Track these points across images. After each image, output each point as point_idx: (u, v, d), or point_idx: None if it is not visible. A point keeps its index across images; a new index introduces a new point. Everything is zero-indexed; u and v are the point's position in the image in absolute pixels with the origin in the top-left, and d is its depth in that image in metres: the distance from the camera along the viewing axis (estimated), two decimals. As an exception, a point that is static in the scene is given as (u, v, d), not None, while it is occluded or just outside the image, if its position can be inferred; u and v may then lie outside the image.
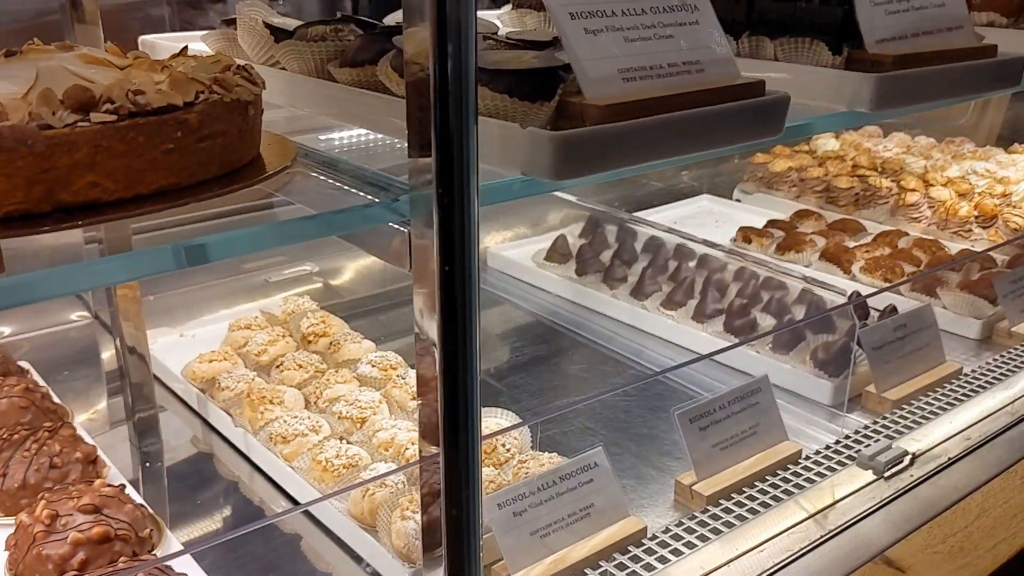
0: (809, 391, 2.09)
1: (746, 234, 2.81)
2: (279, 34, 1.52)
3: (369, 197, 1.10)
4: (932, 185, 2.95)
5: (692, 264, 2.50)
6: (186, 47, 1.25)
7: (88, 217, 0.91)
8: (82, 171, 0.89)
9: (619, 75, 1.18)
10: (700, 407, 1.64)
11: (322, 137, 2.00)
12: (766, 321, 2.27)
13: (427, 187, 0.98)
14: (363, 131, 1.91)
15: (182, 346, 2.17)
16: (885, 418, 1.94)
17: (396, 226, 1.06)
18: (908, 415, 1.95)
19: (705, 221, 3.15)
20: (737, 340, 2.24)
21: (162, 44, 1.90)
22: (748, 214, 3.13)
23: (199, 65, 1.10)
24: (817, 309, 2.18)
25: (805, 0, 1.49)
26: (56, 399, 1.75)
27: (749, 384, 1.74)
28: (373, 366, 1.93)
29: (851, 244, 2.71)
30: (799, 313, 2.23)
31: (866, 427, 1.90)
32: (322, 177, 1.20)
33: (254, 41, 1.54)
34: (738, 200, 3.29)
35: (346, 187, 1.16)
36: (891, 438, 1.83)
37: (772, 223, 2.90)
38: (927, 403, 2.00)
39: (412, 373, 1.90)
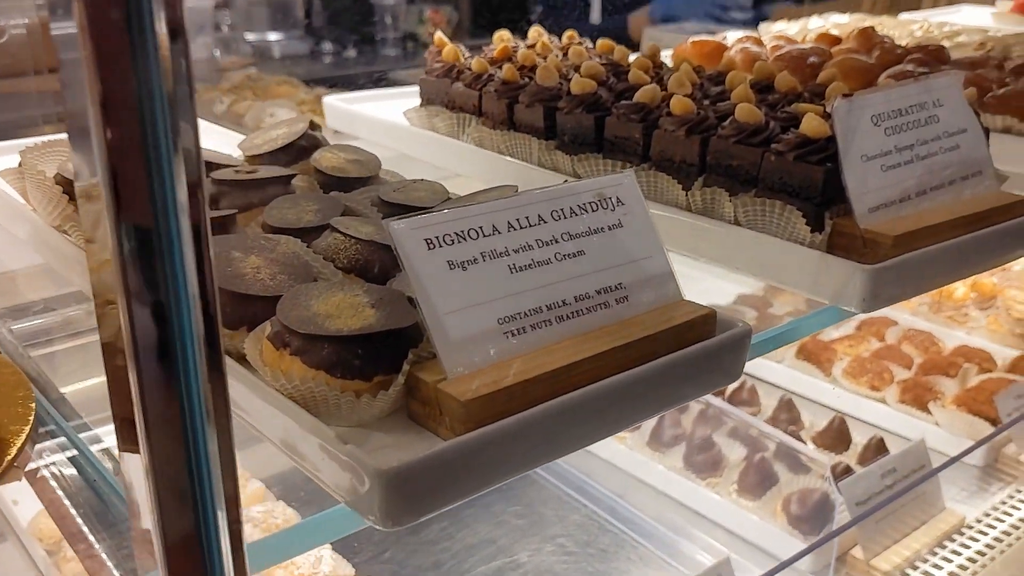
0: (781, 549, 1.72)
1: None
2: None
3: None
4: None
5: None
6: None
7: None
8: None
9: (499, 327, 0.79)
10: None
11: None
12: (734, 454, 1.89)
13: None
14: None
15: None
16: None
17: None
18: (901, 601, 1.58)
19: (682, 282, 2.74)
20: (698, 478, 1.86)
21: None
22: (714, 279, 2.73)
23: None
24: (793, 457, 1.80)
25: (777, 152, 1.09)
26: None
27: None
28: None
29: (833, 332, 2.33)
30: (777, 459, 1.84)
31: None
32: None
33: (45, 199, 1.13)
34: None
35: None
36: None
37: (742, 299, 2.50)
38: (926, 573, 1.63)
39: None
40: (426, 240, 0.78)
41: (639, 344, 0.83)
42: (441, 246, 0.79)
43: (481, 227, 0.81)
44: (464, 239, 0.80)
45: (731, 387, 2.12)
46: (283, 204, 1.06)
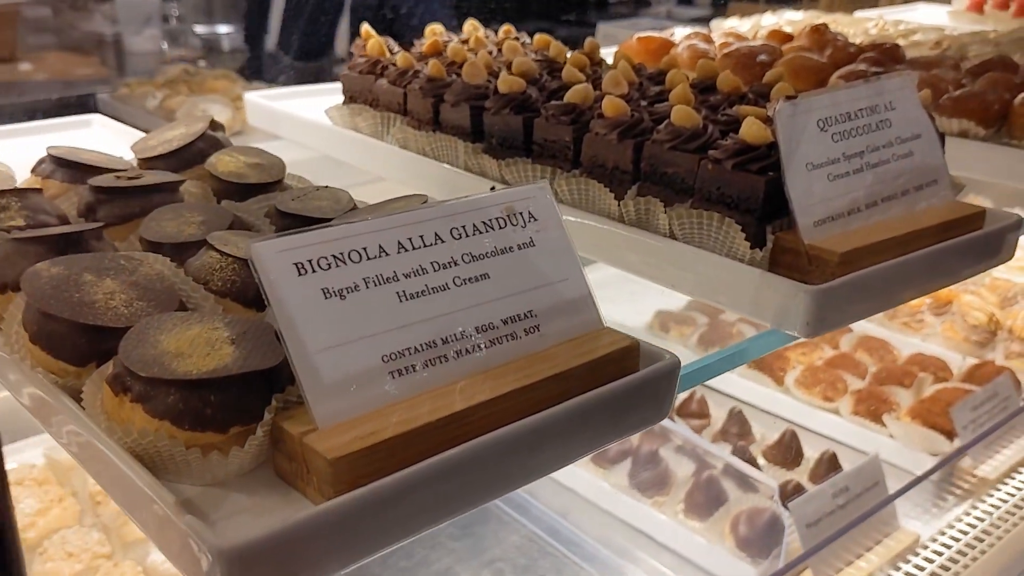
0: (729, 574, 1.62)
1: (664, 320, 2.31)
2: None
3: None
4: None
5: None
6: None
7: None
8: None
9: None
10: None
11: None
12: (682, 471, 1.78)
13: None
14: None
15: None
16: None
17: None
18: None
19: (617, 294, 2.64)
20: (643, 497, 1.76)
21: None
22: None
23: None
24: (742, 479, 1.70)
25: (714, 160, 0.97)
26: None
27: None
28: None
29: (785, 340, 2.23)
30: (725, 476, 1.74)
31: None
32: None
33: None
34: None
35: None
36: None
37: (693, 304, 2.41)
38: (876, 600, 1.54)
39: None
40: (296, 265, 0.66)
41: (549, 383, 0.72)
42: (314, 271, 0.67)
43: (365, 248, 0.69)
44: (343, 262, 0.68)
45: (681, 396, 2.02)
46: (163, 215, 0.93)
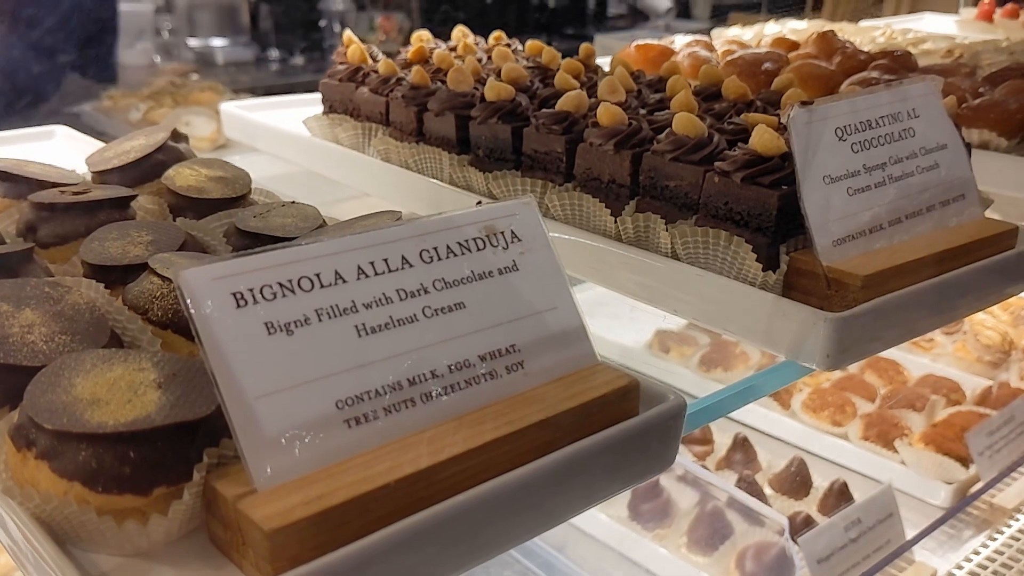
0: (735, 613, 1.50)
1: (664, 340, 2.21)
2: None
3: None
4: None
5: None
6: None
7: None
8: None
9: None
10: None
11: None
12: (684, 501, 1.67)
13: None
14: None
15: None
16: None
17: None
18: None
19: (619, 311, 2.53)
20: (644, 529, 1.65)
21: None
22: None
23: None
24: (748, 511, 1.59)
25: (721, 172, 0.86)
26: None
27: None
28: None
29: (790, 360, 2.13)
30: (730, 508, 1.63)
31: None
32: None
33: None
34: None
35: None
36: None
37: (695, 323, 2.30)
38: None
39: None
40: (235, 295, 0.56)
41: (534, 430, 0.61)
42: (256, 302, 0.56)
43: (318, 274, 0.59)
44: (291, 291, 0.58)
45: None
46: (108, 234, 0.83)
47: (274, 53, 4.70)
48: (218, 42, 4.64)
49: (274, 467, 0.54)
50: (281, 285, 0.57)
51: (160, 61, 4.18)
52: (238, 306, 0.55)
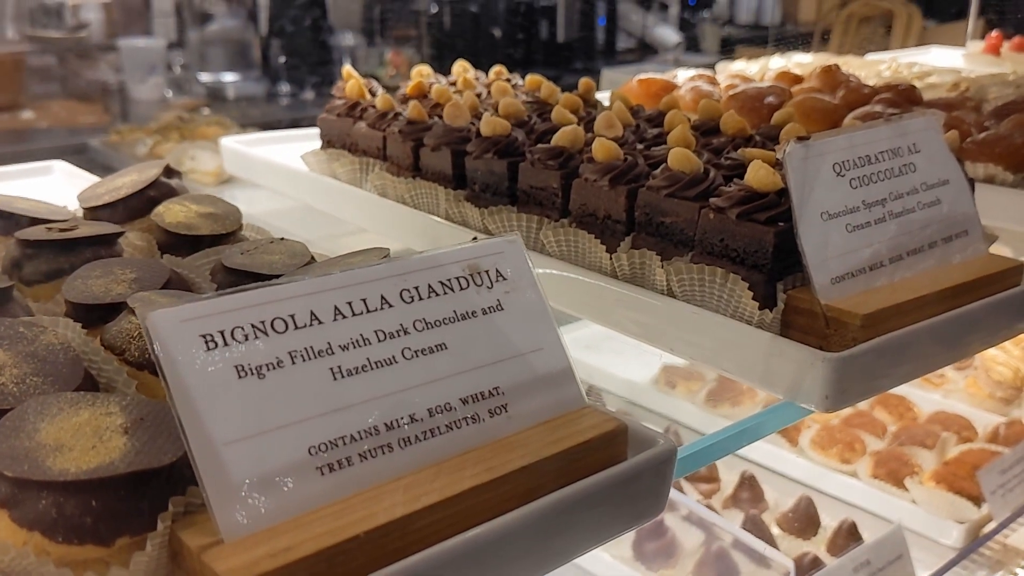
0: (740, 658, 1.46)
1: (670, 375, 2.17)
2: None
3: None
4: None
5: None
6: None
7: None
8: None
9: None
10: None
11: None
12: (690, 541, 1.64)
13: None
14: None
15: None
16: None
17: None
18: None
19: (623, 345, 2.51)
20: (648, 570, 1.61)
21: None
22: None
23: None
24: (754, 554, 1.55)
25: (717, 209, 0.85)
26: None
27: None
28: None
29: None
30: (736, 549, 1.59)
31: None
32: None
33: None
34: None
35: None
36: None
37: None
38: None
39: None
40: (204, 337, 0.54)
41: (518, 476, 0.59)
42: (227, 344, 0.54)
43: (292, 315, 0.57)
44: (263, 333, 0.56)
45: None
46: (91, 272, 0.81)
47: (285, 88, 4.74)
48: (229, 77, 4.68)
49: (242, 517, 0.51)
50: (254, 327, 0.55)
51: (172, 95, 4.22)
52: (208, 348, 0.54)
